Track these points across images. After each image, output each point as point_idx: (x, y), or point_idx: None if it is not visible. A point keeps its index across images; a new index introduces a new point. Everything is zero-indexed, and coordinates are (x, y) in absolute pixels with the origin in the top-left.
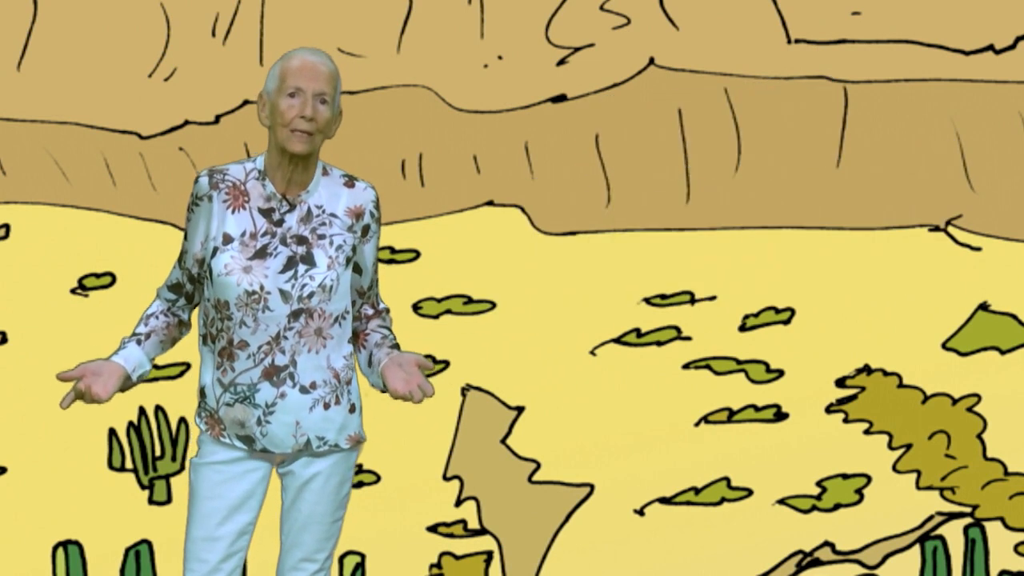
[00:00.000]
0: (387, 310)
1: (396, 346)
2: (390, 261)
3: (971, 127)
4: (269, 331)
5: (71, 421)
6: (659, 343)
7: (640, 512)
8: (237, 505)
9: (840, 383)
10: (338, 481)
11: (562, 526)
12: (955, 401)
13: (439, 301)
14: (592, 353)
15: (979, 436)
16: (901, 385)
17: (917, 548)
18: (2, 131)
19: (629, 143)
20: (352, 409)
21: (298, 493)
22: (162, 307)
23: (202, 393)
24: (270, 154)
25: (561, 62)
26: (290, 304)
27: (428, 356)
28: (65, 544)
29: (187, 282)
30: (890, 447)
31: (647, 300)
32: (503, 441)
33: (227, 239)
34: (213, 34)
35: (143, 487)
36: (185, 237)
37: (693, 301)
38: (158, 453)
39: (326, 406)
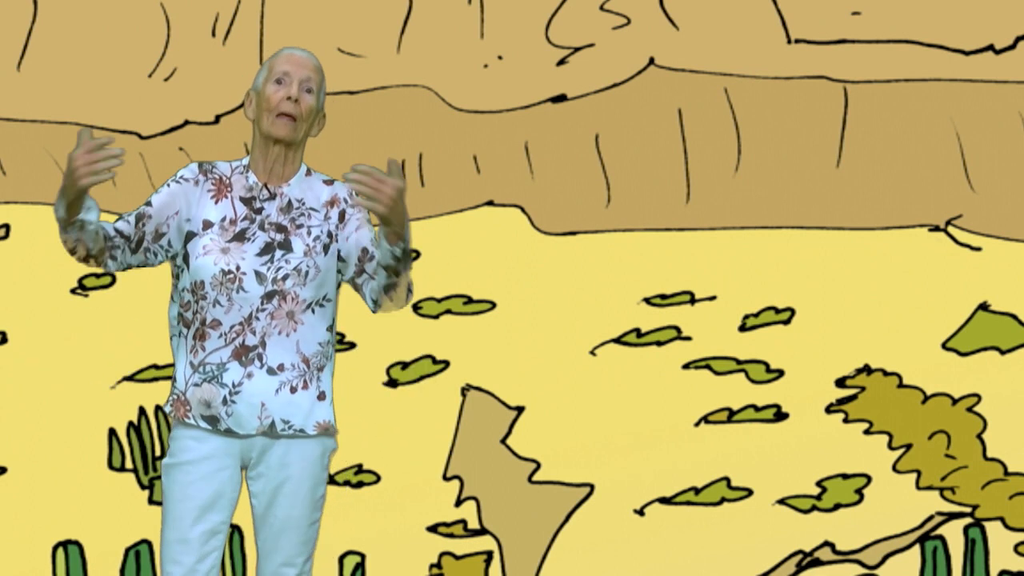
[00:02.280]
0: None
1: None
2: None
3: (971, 127)
4: (242, 312)
5: (71, 421)
6: (659, 343)
7: (640, 512)
8: (208, 505)
9: (840, 383)
10: (311, 484)
11: (562, 526)
12: (955, 401)
13: (439, 301)
14: (592, 353)
15: (979, 436)
16: (901, 385)
17: (917, 548)
18: (2, 131)
19: (629, 143)
20: (321, 396)
21: (272, 498)
22: (109, 227)
23: (173, 381)
24: (254, 148)
25: (561, 62)
26: (264, 286)
27: (427, 356)
28: (65, 544)
29: (133, 237)
30: (890, 447)
31: (647, 300)
32: (503, 441)
33: (207, 225)
34: (213, 34)
35: (143, 487)
36: (150, 203)
37: (693, 301)
38: (158, 453)
39: (292, 390)
